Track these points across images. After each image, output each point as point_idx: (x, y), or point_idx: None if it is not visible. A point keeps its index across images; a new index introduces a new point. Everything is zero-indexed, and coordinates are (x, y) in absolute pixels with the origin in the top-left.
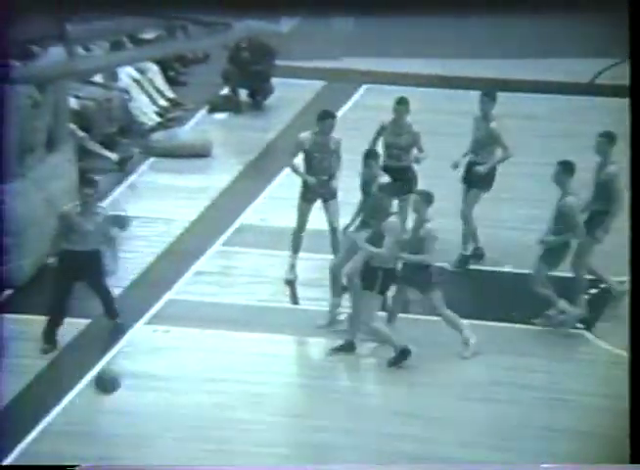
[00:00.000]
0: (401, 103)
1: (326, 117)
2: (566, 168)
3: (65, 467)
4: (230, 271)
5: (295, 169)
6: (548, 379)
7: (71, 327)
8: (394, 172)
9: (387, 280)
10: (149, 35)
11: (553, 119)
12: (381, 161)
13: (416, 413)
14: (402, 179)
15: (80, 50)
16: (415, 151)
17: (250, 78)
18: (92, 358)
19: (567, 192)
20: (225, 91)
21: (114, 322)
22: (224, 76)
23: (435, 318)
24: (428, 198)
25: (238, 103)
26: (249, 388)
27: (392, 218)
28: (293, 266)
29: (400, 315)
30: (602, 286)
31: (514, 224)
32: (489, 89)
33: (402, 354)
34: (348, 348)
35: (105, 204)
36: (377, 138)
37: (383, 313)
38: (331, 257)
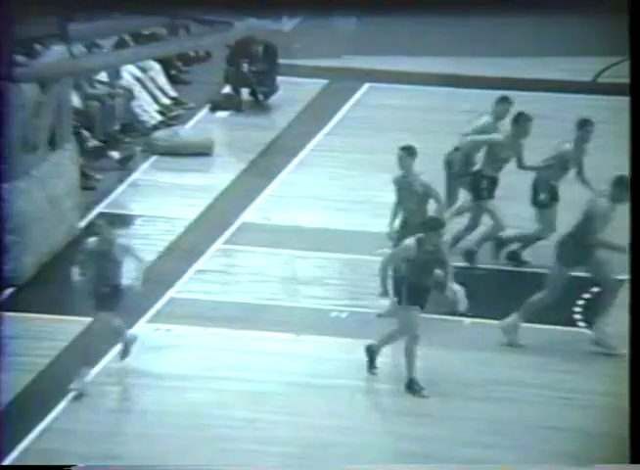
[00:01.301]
0: (526, 119)
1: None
2: (409, 153)
3: (63, 467)
4: (232, 270)
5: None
6: (549, 378)
7: (73, 326)
8: (490, 180)
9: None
10: (146, 30)
11: (556, 118)
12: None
13: (417, 412)
14: (493, 187)
15: (84, 49)
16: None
17: (248, 79)
18: (93, 357)
19: (411, 173)
20: (227, 90)
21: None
22: (225, 78)
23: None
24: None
25: (239, 101)
26: (250, 386)
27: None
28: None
29: None
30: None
31: (518, 223)
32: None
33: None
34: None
35: (106, 202)
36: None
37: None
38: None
